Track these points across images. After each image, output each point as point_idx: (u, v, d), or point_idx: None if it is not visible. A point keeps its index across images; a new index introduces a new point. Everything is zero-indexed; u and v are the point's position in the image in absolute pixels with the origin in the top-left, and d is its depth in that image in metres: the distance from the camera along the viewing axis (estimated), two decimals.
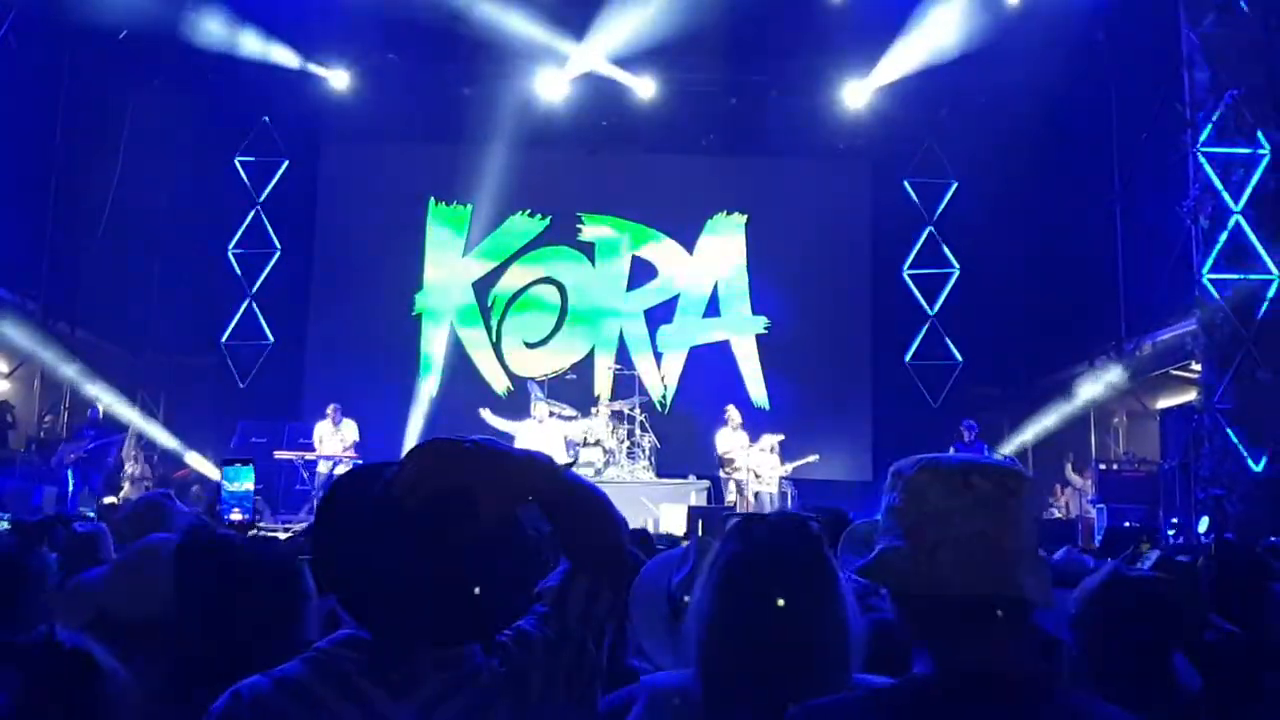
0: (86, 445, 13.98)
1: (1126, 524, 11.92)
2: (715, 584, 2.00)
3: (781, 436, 14.70)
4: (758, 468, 14.38)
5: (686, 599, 2.40)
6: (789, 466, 14.49)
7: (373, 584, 1.57)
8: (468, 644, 1.61)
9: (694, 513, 12.42)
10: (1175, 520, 12.23)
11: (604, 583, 1.77)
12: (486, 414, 15.02)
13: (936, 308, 18.01)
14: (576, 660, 1.70)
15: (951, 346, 17.89)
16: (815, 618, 1.91)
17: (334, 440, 14.42)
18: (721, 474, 14.46)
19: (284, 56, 16.21)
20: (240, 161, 18.08)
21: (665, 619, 2.47)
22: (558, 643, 1.69)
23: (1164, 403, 15.63)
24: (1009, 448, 16.79)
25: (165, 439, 16.36)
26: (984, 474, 1.59)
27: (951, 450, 14.31)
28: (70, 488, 13.55)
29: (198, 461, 16.22)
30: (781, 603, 1.89)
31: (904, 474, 1.65)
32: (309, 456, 14.55)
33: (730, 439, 14.40)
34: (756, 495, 14.39)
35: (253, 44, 15.76)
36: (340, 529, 1.61)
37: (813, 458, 14.67)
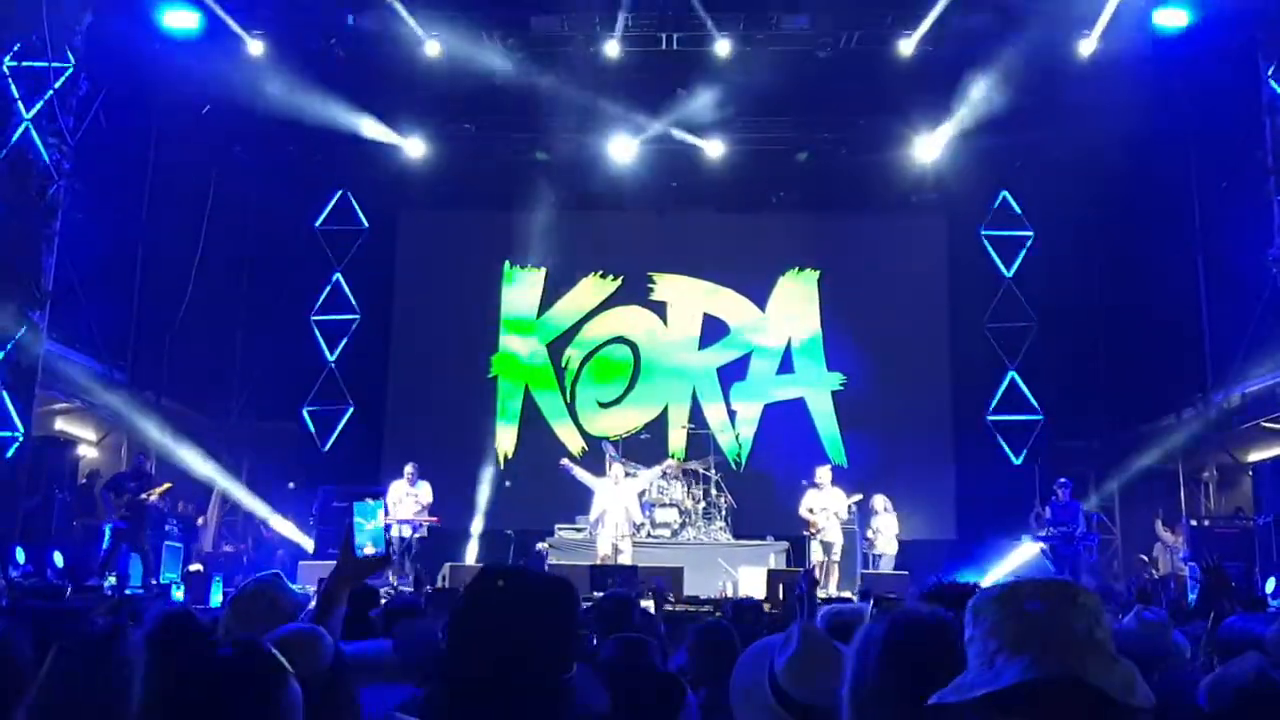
0: (125, 501, 12.77)
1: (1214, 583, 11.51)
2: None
3: (854, 495, 14.53)
4: (881, 529, 14.27)
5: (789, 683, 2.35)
6: (893, 515, 14.37)
7: None
8: None
9: (774, 576, 12.28)
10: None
11: None
12: (567, 463, 14.95)
13: (1017, 361, 17.73)
14: None
15: (1033, 400, 17.57)
16: None
17: (409, 502, 14.46)
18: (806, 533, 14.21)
19: (362, 126, 16.54)
20: (320, 230, 18.47)
21: (769, 705, 2.41)
22: None
23: (1256, 456, 15.19)
24: (1094, 503, 16.42)
25: (251, 503, 16.56)
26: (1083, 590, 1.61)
27: (1046, 511, 14.01)
28: (105, 544, 12.60)
29: (285, 527, 16.39)
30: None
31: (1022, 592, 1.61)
32: (387, 521, 14.59)
33: (816, 498, 14.12)
34: (874, 559, 14.23)
35: (331, 115, 16.13)
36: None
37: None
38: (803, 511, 14.05)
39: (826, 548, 13.88)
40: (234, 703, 1.76)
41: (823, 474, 14.27)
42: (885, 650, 1.88)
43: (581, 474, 14.35)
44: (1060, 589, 1.58)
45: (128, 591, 11.24)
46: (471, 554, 16.08)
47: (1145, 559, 15.92)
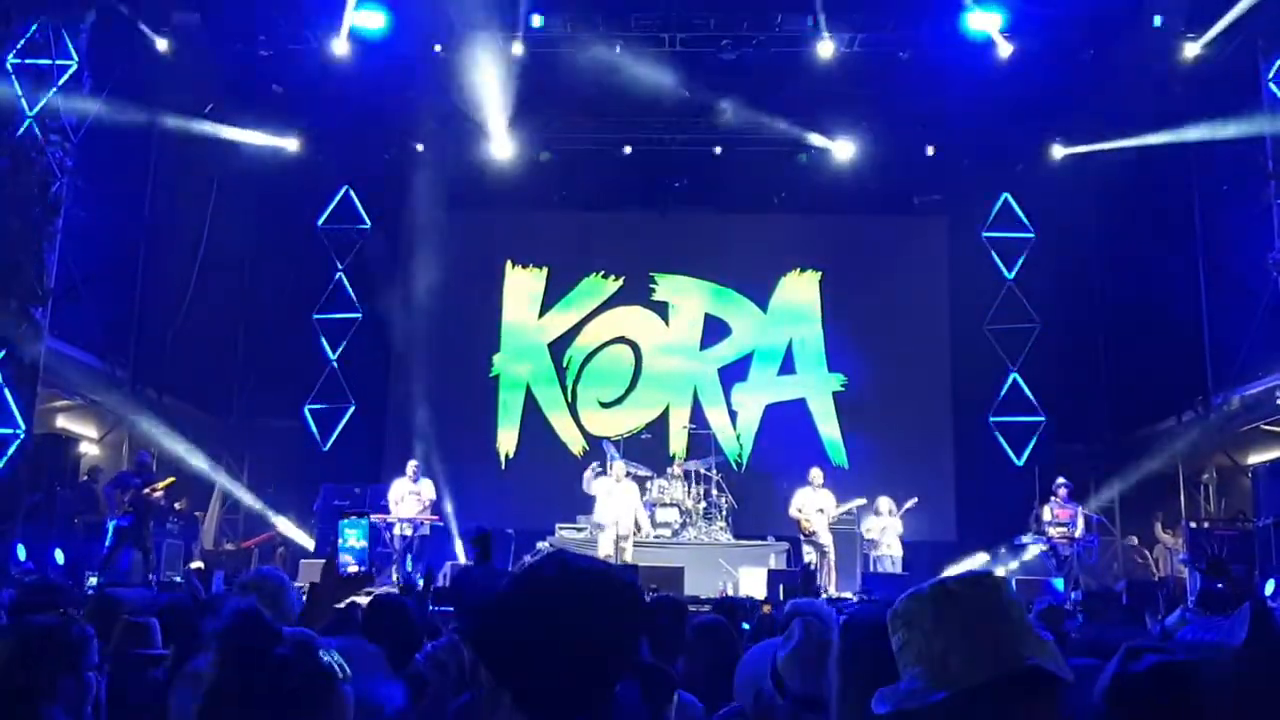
0: (128, 498, 12.66)
1: (1220, 585, 11.54)
2: None
3: (852, 499, 14.53)
4: (888, 528, 14.22)
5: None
6: (898, 518, 14.33)
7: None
8: None
9: (774, 577, 12.30)
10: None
11: None
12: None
13: (1018, 363, 17.73)
14: None
15: (1035, 402, 17.57)
16: None
17: (412, 500, 14.43)
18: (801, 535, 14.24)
19: (365, 125, 16.54)
20: (323, 228, 18.47)
21: (771, 697, 2.47)
22: None
23: (1255, 458, 15.19)
24: (1095, 505, 16.42)
25: (251, 502, 16.61)
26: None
27: (1046, 512, 14.01)
28: (108, 541, 12.49)
29: (285, 526, 16.41)
30: None
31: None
32: (389, 519, 14.58)
33: (807, 498, 14.16)
34: (878, 560, 14.22)
35: (334, 112, 16.15)
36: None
37: (911, 502, 14.48)
38: (791, 511, 14.09)
39: (818, 548, 13.89)
40: (287, 701, 1.80)
41: (815, 475, 14.35)
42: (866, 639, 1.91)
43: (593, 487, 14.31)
44: (987, 581, 1.62)
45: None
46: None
47: (1136, 538, 16.00)
